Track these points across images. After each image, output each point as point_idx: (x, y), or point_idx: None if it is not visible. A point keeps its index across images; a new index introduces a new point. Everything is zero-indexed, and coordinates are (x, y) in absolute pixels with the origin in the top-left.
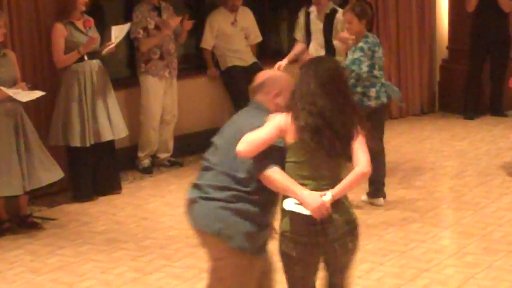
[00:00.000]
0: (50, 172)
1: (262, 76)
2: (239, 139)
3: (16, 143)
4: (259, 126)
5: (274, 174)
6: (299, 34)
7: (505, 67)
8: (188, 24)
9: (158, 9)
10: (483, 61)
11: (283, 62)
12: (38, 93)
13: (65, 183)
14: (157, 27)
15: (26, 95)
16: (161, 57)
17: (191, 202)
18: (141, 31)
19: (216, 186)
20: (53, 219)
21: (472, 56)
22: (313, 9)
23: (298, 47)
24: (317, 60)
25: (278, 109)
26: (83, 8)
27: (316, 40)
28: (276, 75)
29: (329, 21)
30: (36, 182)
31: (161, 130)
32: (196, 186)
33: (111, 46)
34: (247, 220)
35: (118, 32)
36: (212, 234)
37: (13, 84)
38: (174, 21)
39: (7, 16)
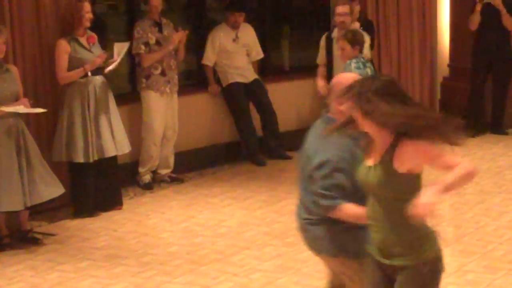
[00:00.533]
0: (51, 188)
1: (335, 78)
2: (309, 172)
3: (17, 159)
4: (325, 161)
5: (343, 213)
6: (321, 58)
7: (507, 85)
8: (180, 36)
9: (159, 25)
10: (484, 79)
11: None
12: (38, 110)
13: (66, 199)
14: (158, 43)
15: (26, 110)
16: (162, 73)
17: (304, 226)
18: (143, 47)
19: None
20: (53, 235)
21: (473, 74)
22: (335, 35)
23: (322, 71)
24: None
25: (342, 118)
26: (88, 24)
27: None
28: (345, 78)
29: None
30: (37, 198)
31: (162, 146)
32: (304, 208)
33: (115, 64)
34: (347, 230)
35: (119, 49)
36: (333, 256)
37: (15, 99)
38: (177, 36)
39: (10, 31)
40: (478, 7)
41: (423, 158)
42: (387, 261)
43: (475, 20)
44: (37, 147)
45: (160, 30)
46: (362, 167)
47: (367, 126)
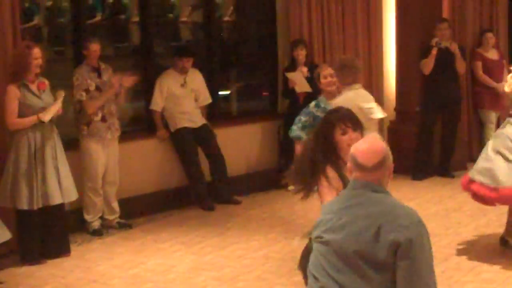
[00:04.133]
0: None
1: None
2: None
3: None
4: None
5: None
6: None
7: (456, 128)
8: (128, 81)
9: (97, 70)
10: (434, 122)
11: None
12: None
13: (13, 245)
14: (98, 88)
15: None
16: (103, 119)
17: None
18: (84, 93)
19: None
20: (1, 283)
21: (424, 117)
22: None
23: None
24: None
25: None
26: (37, 71)
27: None
28: None
29: None
30: None
31: (104, 191)
32: None
33: (50, 112)
34: None
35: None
36: None
37: None
38: (116, 80)
39: None
40: (435, 51)
41: None
42: None
43: (430, 64)
44: None
45: (99, 75)
46: None
47: None
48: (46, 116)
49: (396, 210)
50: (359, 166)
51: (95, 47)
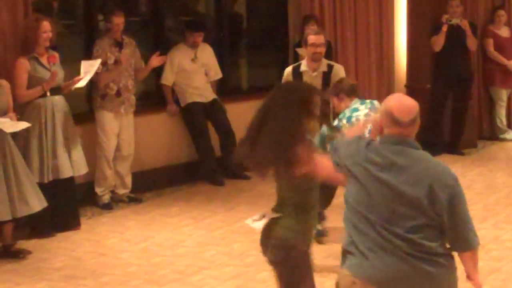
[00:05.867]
0: (37, 201)
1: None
2: None
3: (3, 171)
4: None
5: None
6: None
7: (466, 106)
8: (157, 61)
9: (119, 45)
10: (445, 99)
11: None
12: (23, 125)
13: (23, 218)
14: (116, 63)
15: (11, 126)
16: (118, 93)
17: None
18: (100, 66)
19: None
20: (30, 252)
21: (434, 94)
22: (305, 68)
23: None
24: None
25: None
26: (47, 44)
27: None
28: None
29: (326, 78)
30: (26, 209)
31: (118, 166)
32: None
33: (83, 80)
34: None
35: (87, 67)
36: None
37: (4, 113)
38: (124, 55)
39: None
40: (445, 28)
41: None
42: None
43: (441, 41)
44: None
45: (121, 50)
46: None
47: None
48: (82, 83)
49: (439, 168)
50: (396, 121)
51: (118, 20)
